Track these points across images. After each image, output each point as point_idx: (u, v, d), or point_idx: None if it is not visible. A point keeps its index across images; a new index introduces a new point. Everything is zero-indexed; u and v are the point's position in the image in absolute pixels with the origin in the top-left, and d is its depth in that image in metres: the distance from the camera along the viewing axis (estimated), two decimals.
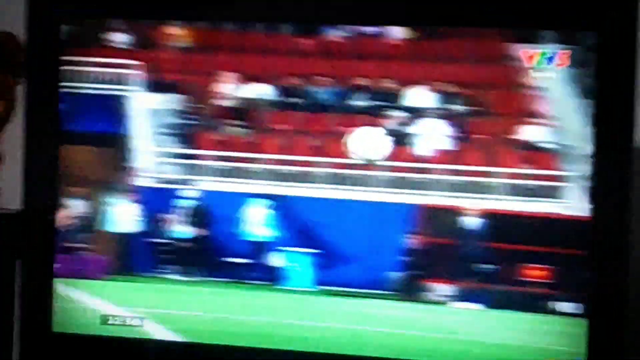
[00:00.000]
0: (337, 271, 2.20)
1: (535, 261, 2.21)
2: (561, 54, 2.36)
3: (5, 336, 2.86)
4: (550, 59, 2.39)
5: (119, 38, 2.31)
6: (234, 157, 2.18)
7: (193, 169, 2.20)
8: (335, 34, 2.15)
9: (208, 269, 2.21)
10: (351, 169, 2.12)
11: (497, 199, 2.16)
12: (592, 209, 2.31)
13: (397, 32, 2.27)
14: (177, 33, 2.24)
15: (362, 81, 2.14)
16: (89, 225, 2.32)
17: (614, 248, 2.35)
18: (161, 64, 2.24)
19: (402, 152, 2.15)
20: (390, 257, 2.11)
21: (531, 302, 2.20)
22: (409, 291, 2.11)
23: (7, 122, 2.95)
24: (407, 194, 2.11)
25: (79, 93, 2.39)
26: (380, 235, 2.14)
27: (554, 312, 2.26)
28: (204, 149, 2.19)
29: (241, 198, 2.16)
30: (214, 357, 2.55)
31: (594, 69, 2.37)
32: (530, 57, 2.38)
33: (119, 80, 2.32)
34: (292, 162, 2.15)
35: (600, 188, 2.38)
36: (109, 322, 2.53)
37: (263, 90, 2.15)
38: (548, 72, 2.38)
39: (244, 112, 2.20)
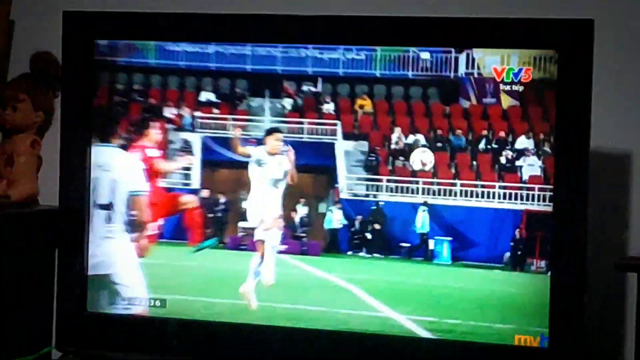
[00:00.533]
0: (468, 251, 2.77)
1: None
2: (526, 70, 2.65)
3: (46, 316, 3.03)
4: (516, 74, 2.67)
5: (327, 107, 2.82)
6: (401, 180, 2.76)
7: (374, 187, 2.82)
8: (466, 105, 2.73)
9: (386, 251, 2.84)
10: (475, 187, 2.74)
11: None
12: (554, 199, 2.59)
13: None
14: (364, 103, 2.80)
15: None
16: (310, 222, 2.86)
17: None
18: (353, 122, 2.82)
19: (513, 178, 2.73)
20: (502, 242, 2.73)
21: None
22: (515, 265, 2.71)
23: (46, 130, 3.13)
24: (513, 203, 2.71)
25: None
26: (496, 229, 2.73)
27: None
28: (382, 175, 2.80)
29: (406, 205, 2.77)
30: (232, 336, 2.84)
31: (555, 82, 2.57)
32: (500, 73, 2.67)
33: (332, 132, 2.82)
34: (439, 183, 2.74)
35: (561, 187, 2.57)
36: (136, 303, 2.91)
37: (419, 138, 2.78)
38: (515, 86, 2.66)
39: (407, 152, 2.77)
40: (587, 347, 2.58)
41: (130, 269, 2.87)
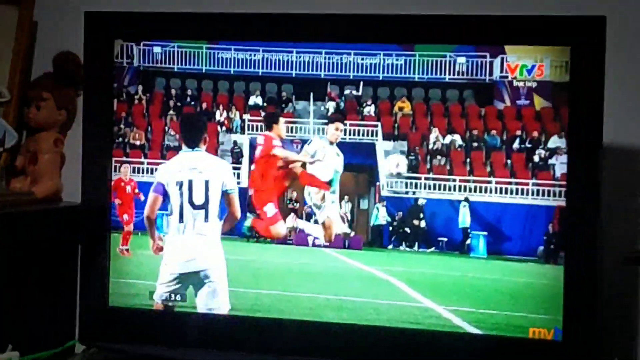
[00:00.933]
0: (503, 245, 2.91)
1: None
2: (539, 66, 2.76)
3: (70, 310, 3.09)
4: (529, 71, 2.79)
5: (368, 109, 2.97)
6: (439, 177, 2.91)
7: (415, 185, 2.96)
8: (501, 106, 2.87)
9: (425, 245, 2.96)
10: (509, 184, 2.87)
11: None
12: (568, 193, 2.70)
13: None
14: (403, 105, 2.94)
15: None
16: (352, 218, 2.98)
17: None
18: (393, 123, 2.97)
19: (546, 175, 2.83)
20: (535, 236, 2.85)
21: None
22: (547, 257, 2.81)
23: (69, 128, 3.21)
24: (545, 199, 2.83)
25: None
26: (529, 224, 2.87)
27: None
28: (420, 173, 2.94)
29: (444, 202, 2.91)
30: (259, 328, 2.89)
31: (568, 79, 2.66)
32: (514, 69, 2.78)
33: (374, 133, 2.97)
34: (475, 181, 2.87)
35: (574, 182, 2.67)
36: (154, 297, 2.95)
37: (455, 138, 2.92)
38: (528, 82, 2.76)
39: (445, 151, 2.91)
40: (600, 340, 2.65)
41: (222, 267, 2.96)
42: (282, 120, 2.97)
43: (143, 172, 3.08)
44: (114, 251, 3.00)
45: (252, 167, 3.02)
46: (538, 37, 2.69)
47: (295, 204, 3.07)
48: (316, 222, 3.05)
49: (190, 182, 2.94)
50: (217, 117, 3.06)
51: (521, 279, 2.88)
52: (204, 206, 2.94)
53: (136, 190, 3.05)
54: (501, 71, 2.84)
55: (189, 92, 3.08)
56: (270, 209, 3.02)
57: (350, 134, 3.00)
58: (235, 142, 3.07)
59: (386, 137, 2.98)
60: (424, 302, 2.92)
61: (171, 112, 3.09)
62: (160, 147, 3.10)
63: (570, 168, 2.67)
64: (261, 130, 3.03)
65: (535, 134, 2.86)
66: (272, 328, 2.87)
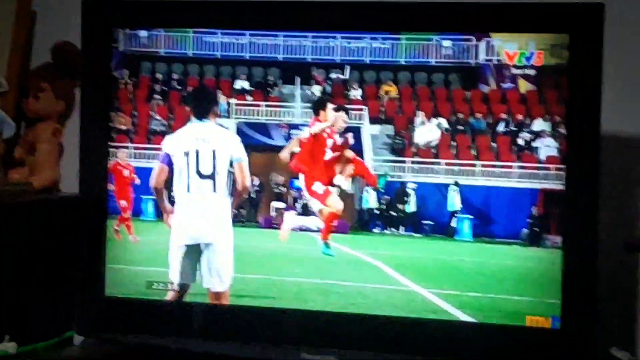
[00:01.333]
0: (487, 228, 2.96)
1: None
2: (538, 54, 2.76)
3: (68, 301, 3.01)
4: (528, 58, 2.78)
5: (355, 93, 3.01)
6: (425, 161, 2.93)
7: (399, 169, 3.01)
8: (485, 90, 2.89)
9: (411, 228, 3.02)
10: (494, 167, 2.85)
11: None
12: (567, 180, 2.67)
13: None
14: (389, 89, 2.97)
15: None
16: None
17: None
18: (379, 108, 3.01)
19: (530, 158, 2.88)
20: (519, 219, 2.87)
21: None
22: (531, 240, 2.83)
23: (67, 118, 3.16)
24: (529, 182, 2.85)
25: None
26: (514, 206, 2.89)
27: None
28: (405, 157, 2.98)
29: (430, 185, 2.93)
30: (253, 318, 2.86)
31: (567, 66, 2.65)
32: (512, 57, 2.79)
33: (360, 117, 3.01)
34: (460, 164, 2.90)
35: (574, 168, 2.65)
36: (153, 287, 2.95)
37: (441, 122, 2.93)
38: (527, 70, 2.76)
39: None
40: (598, 328, 2.64)
41: (230, 240, 2.94)
42: (329, 106, 2.97)
43: (129, 157, 3.08)
44: (119, 239, 3.00)
45: (299, 149, 3.02)
46: (535, 25, 2.70)
47: (281, 189, 3.07)
48: (307, 209, 3.05)
49: (197, 152, 2.92)
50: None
51: (506, 262, 2.89)
52: (212, 176, 2.93)
53: (132, 175, 3.06)
54: (487, 54, 2.84)
55: (175, 76, 3.08)
56: (319, 187, 3.04)
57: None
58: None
59: (372, 121, 2.99)
60: (410, 285, 2.92)
61: (157, 96, 3.09)
62: (145, 132, 3.11)
63: (570, 153, 2.67)
64: (248, 115, 3.04)
65: (520, 117, 2.86)
66: (269, 318, 2.87)
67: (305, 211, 3.10)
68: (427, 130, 2.90)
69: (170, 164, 2.95)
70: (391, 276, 2.95)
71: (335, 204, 3.01)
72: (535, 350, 2.70)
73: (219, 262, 2.91)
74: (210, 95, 2.99)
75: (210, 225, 2.93)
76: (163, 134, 3.07)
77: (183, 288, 2.93)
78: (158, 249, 3.00)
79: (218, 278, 2.92)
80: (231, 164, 2.93)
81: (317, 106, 2.97)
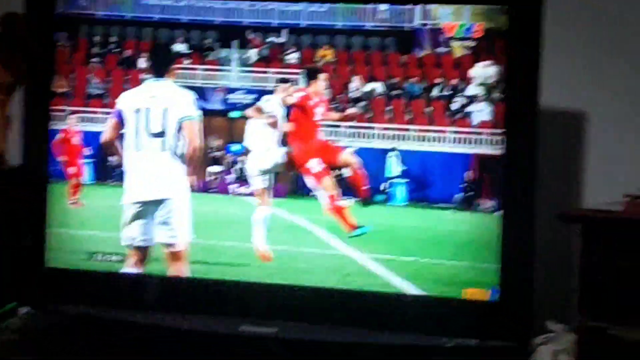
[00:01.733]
0: (422, 193, 2.96)
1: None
2: (477, 26, 2.76)
3: (10, 272, 2.99)
4: (468, 30, 2.78)
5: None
6: (359, 125, 2.93)
7: (335, 133, 2.96)
8: (421, 54, 2.88)
9: (348, 193, 2.97)
10: (428, 132, 2.89)
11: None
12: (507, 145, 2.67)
13: None
14: (326, 53, 2.93)
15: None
16: None
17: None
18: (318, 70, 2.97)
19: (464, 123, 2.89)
20: (453, 184, 2.87)
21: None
22: (464, 204, 2.84)
23: (15, 90, 3.02)
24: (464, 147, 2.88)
25: None
26: (447, 171, 2.89)
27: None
28: (343, 122, 2.96)
29: (367, 150, 2.89)
30: (194, 289, 2.88)
31: (505, 38, 2.66)
32: (451, 29, 2.80)
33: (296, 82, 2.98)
34: (395, 129, 2.90)
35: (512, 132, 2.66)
36: (94, 258, 2.96)
37: (376, 86, 2.96)
38: (466, 41, 2.76)
39: (365, 99, 2.95)
40: (535, 299, 2.64)
41: (183, 199, 2.93)
42: (321, 76, 2.94)
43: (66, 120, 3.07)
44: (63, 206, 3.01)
45: (289, 124, 3.01)
46: None
47: (217, 153, 3.07)
48: (243, 174, 3.06)
49: (147, 110, 2.92)
50: (140, 64, 3.05)
51: (440, 226, 2.89)
52: (161, 135, 2.92)
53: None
54: (423, 19, 2.84)
55: (113, 39, 3.07)
56: (315, 165, 3.00)
57: (273, 82, 3.00)
58: None
59: None
60: (345, 250, 2.93)
61: (94, 59, 3.08)
62: (83, 95, 3.10)
63: (508, 119, 2.67)
64: (185, 78, 3.03)
65: (455, 81, 2.86)
66: (210, 289, 2.88)
67: (242, 176, 3.10)
68: None
69: (121, 119, 2.95)
70: (326, 241, 2.96)
71: (330, 186, 2.98)
72: (472, 323, 2.70)
73: (175, 217, 2.91)
74: (169, 53, 2.97)
75: (162, 183, 2.92)
76: (101, 97, 3.08)
77: (141, 250, 2.93)
78: (103, 213, 3.05)
79: (174, 233, 2.92)
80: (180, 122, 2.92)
81: (309, 76, 2.96)
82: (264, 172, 3.08)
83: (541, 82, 2.62)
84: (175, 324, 2.81)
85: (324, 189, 2.96)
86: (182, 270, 2.90)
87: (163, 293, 2.90)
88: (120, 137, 2.96)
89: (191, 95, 2.93)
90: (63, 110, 3.03)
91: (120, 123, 2.95)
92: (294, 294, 2.80)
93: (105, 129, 2.97)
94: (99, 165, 3.12)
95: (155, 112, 2.91)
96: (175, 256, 2.92)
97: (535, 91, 2.64)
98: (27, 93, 2.97)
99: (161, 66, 2.94)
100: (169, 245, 2.93)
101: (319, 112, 2.96)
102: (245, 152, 3.07)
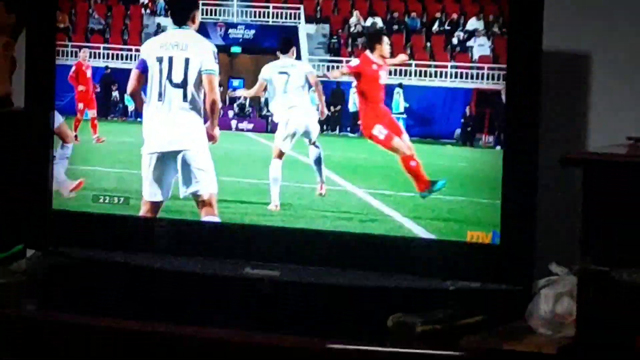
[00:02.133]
0: (422, 128, 2.92)
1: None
2: None
3: (17, 215, 3.05)
4: None
5: None
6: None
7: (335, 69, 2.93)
8: None
9: (347, 129, 2.97)
10: (428, 67, 2.84)
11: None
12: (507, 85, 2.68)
13: None
14: None
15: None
16: None
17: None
18: (315, 6, 2.91)
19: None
20: (453, 119, 2.89)
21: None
22: (464, 139, 2.85)
23: (20, 33, 3.11)
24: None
25: None
26: (448, 106, 2.88)
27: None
28: (342, 57, 2.91)
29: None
30: (198, 232, 2.91)
31: None
32: None
33: (296, 16, 2.94)
34: (395, 64, 2.84)
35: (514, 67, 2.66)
36: (100, 200, 3.02)
37: (376, 21, 2.88)
38: None
39: (366, 34, 2.90)
40: (538, 242, 2.63)
41: (203, 149, 2.93)
42: (385, 40, 2.86)
43: (67, 55, 3.08)
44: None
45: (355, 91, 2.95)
46: None
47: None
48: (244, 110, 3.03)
49: (170, 59, 2.89)
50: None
51: (442, 162, 2.90)
52: (182, 85, 2.90)
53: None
54: None
55: None
56: (381, 131, 2.93)
57: (273, 17, 2.96)
58: (159, 25, 3.03)
59: (308, 20, 2.94)
60: (345, 185, 2.93)
61: None
62: (84, 31, 3.09)
63: (510, 53, 2.65)
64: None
65: (454, 15, 2.83)
66: (213, 232, 2.90)
67: (243, 111, 3.09)
68: None
69: (145, 70, 2.94)
70: (326, 176, 2.97)
71: (401, 146, 2.90)
72: (475, 267, 2.70)
73: (199, 166, 2.90)
74: (190, 0, 2.94)
75: (184, 133, 2.92)
76: (101, 33, 3.06)
77: (156, 203, 2.94)
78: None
79: (200, 182, 2.92)
80: (199, 75, 2.91)
81: (372, 40, 2.88)
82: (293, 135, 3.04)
83: (545, 24, 2.60)
84: (179, 267, 2.84)
85: (395, 152, 2.90)
86: (213, 216, 2.92)
87: (167, 235, 2.93)
88: (144, 87, 2.96)
89: (213, 47, 2.92)
90: (66, 46, 3.04)
91: (144, 73, 2.94)
92: (297, 237, 2.82)
93: (130, 81, 2.97)
94: (100, 102, 3.12)
95: (178, 62, 2.90)
96: (203, 204, 2.92)
97: (539, 27, 2.62)
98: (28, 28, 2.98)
99: (182, 13, 2.93)
100: (195, 195, 2.93)
101: (383, 77, 2.89)
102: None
